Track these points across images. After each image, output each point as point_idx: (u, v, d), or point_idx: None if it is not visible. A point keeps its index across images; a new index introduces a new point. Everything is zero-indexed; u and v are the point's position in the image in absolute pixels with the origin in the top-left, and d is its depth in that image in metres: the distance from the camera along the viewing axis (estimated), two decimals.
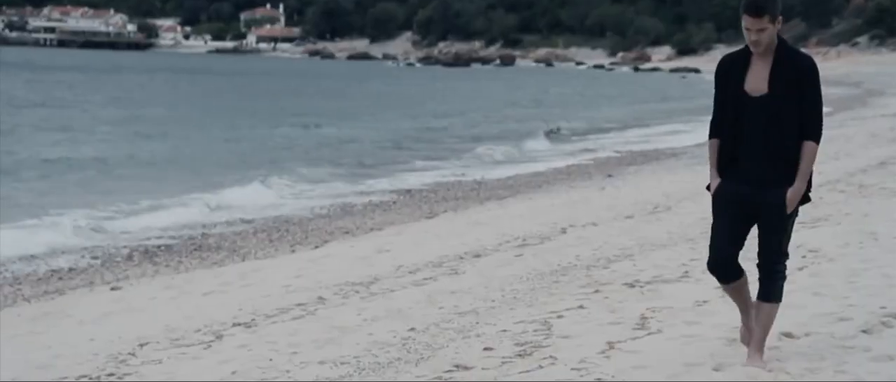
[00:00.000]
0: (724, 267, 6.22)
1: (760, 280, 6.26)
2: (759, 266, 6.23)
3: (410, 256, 12.26)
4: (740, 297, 6.39)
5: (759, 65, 6.07)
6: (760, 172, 6.04)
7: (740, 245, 6.20)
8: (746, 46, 6.08)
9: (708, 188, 6.29)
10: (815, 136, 6.04)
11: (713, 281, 8.61)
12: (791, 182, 6.04)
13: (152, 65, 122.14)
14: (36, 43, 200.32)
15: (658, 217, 13.70)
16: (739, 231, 6.18)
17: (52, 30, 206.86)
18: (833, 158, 19.55)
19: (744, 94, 6.06)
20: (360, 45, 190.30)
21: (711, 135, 6.26)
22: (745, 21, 5.98)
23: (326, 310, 9.41)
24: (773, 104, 5.99)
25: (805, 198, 6.12)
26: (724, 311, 7.57)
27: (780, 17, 5.98)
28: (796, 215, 6.18)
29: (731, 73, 6.15)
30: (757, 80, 6.04)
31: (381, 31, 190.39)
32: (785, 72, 5.99)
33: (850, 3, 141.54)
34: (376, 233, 15.98)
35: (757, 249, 6.19)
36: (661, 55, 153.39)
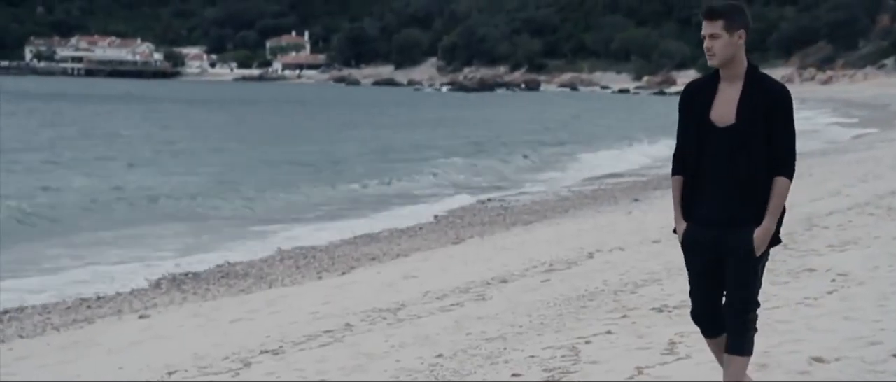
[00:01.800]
0: (710, 318, 5.71)
1: (729, 330, 5.66)
2: (728, 313, 5.63)
3: (437, 282, 12.25)
4: (721, 352, 5.81)
5: (727, 91, 5.52)
6: (726, 211, 5.49)
7: (722, 290, 5.64)
8: (715, 72, 5.58)
9: (675, 232, 5.73)
10: (788, 172, 5.49)
11: None
12: (758, 220, 5.48)
13: (183, 94, 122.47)
14: (64, 72, 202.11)
15: None
16: (718, 277, 5.61)
17: (79, 59, 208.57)
18: (861, 180, 19.45)
19: (709, 124, 5.50)
20: (386, 71, 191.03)
21: (675, 172, 5.68)
22: (702, 26, 5.55)
23: (354, 337, 9.40)
24: (741, 135, 5.44)
25: (775, 239, 5.55)
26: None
27: (743, 32, 5.51)
28: (767, 257, 5.61)
29: (696, 101, 5.58)
30: (724, 109, 5.49)
31: (406, 57, 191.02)
32: (755, 100, 5.46)
33: (877, 26, 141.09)
34: (403, 259, 15.97)
35: (726, 295, 5.63)
36: (686, 79, 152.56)
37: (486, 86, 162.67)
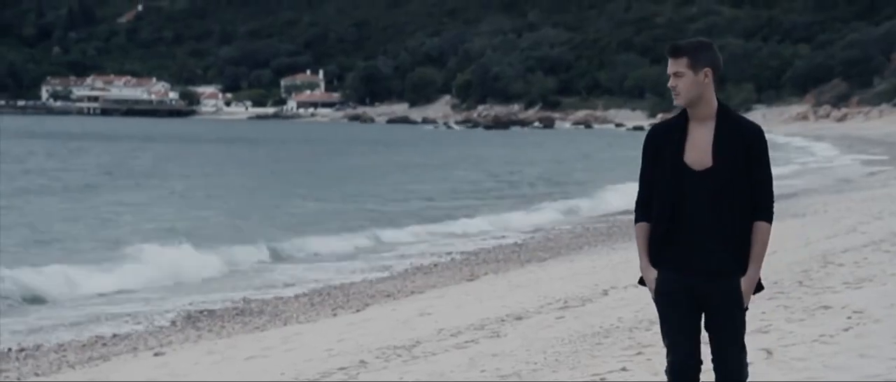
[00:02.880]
0: (689, 375, 5.36)
1: None
2: (718, 370, 5.35)
3: (452, 319, 12.24)
4: None
5: (698, 132, 5.29)
6: (707, 259, 5.22)
7: (697, 344, 5.35)
8: (683, 112, 5.35)
9: (641, 282, 5.44)
10: (768, 216, 5.27)
11: (758, 342, 8.59)
12: (742, 269, 5.26)
13: (201, 133, 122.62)
14: (79, 111, 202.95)
15: None
16: (694, 329, 5.34)
17: (95, 99, 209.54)
18: (877, 218, 19.41)
19: (684, 167, 5.24)
20: (400, 109, 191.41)
21: (639, 219, 5.42)
22: (668, 64, 5.32)
23: (368, 374, 9.39)
24: (720, 179, 5.20)
25: (759, 287, 5.36)
26: (769, 373, 7.50)
27: (709, 71, 5.28)
28: (747, 308, 5.37)
29: (665, 144, 5.31)
30: (698, 151, 5.25)
31: (420, 94, 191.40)
32: (730, 141, 5.23)
33: (892, 63, 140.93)
34: (417, 296, 15.97)
35: (711, 351, 5.36)
36: None
37: (500, 123, 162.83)
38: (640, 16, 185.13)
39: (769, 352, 8.27)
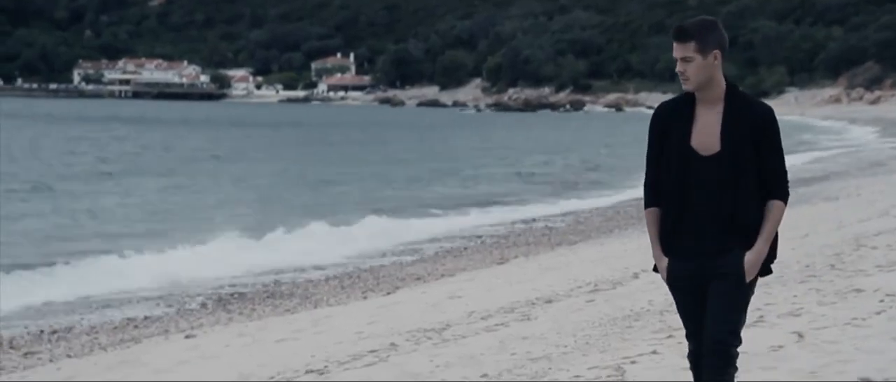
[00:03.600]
0: None
1: (706, 369, 5.12)
2: (706, 348, 5.10)
3: (482, 302, 12.24)
4: None
5: (706, 115, 5.07)
6: (714, 245, 5.04)
7: None
8: (690, 93, 5.13)
9: (655, 269, 5.28)
10: (782, 194, 5.09)
11: (789, 325, 8.55)
12: (747, 246, 5.05)
13: (240, 116, 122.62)
14: (111, 95, 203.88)
15: None
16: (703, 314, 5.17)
17: (127, 82, 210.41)
18: None
19: (690, 152, 5.05)
20: (430, 92, 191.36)
21: (649, 203, 5.22)
22: (673, 48, 5.08)
23: (399, 357, 9.40)
24: (729, 164, 5.00)
25: (766, 269, 5.11)
26: (801, 356, 7.47)
27: (718, 52, 5.03)
28: (754, 289, 5.12)
29: (671, 126, 5.12)
30: (706, 135, 5.04)
31: (451, 78, 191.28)
32: (739, 124, 5.02)
33: None
34: (448, 279, 15.98)
35: (703, 328, 5.12)
36: None
37: (530, 106, 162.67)
38: None
39: (801, 335, 8.23)
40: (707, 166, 5.01)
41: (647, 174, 5.21)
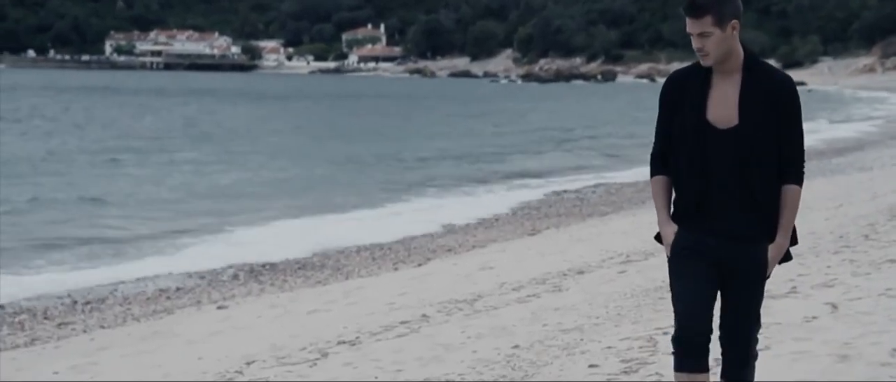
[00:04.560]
0: (700, 345, 4.89)
1: (731, 359, 4.95)
2: (728, 341, 4.93)
3: (513, 273, 12.23)
4: None
5: (722, 86, 4.80)
6: (732, 224, 4.77)
7: (712, 312, 4.91)
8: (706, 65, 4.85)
9: (657, 238, 5.01)
10: (798, 179, 4.79)
11: (823, 296, 8.51)
12: (770, 236, 4.80)
13: (278, 89, 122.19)
14: (143, 66, 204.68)
15: None
16: (711, 294, 4.89)
17: (158, 53, 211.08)
18: None
19: (707, 126, 4.76)
20: (461, 62, 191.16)
21: (655, 172, 4.96)
22: (687, 24, 4.79)
23: (430, 328, 9.41)
24: (747, 138, 4.72)
25: (787, 256, 4.91)
26: (835, 327, 7.43)
27: (736, 22, 4.77)
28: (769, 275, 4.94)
29: (685, 96, 4.83)
30: (723, 107, 4.76)
31: (482, 48, 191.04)
32: (758, 96, 4.74)
33: None
34: (479, 250, 15.97)
35: (722, 320, 4.94)
36: None
37: (561, 77, 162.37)
38: None
39: (835, 306, 8.19)
40: (725, 140, 4.73)
41: (655, 145, 4.96)
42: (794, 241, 4.89)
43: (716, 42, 4.73)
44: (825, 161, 28.70)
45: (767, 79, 4.78)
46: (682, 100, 4.83)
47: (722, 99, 4.77)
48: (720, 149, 4.74)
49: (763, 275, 4.84)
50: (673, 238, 4.88)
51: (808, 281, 9.23)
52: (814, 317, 8.06)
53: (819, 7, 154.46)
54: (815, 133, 40.84)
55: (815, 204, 15.53)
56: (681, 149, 4.82)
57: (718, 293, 4.90)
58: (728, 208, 4.76)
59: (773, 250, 4.80)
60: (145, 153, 37.93)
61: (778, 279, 9.80)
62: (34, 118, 58.71)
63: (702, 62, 4.79)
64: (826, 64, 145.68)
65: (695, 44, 4.77)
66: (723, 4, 4.73)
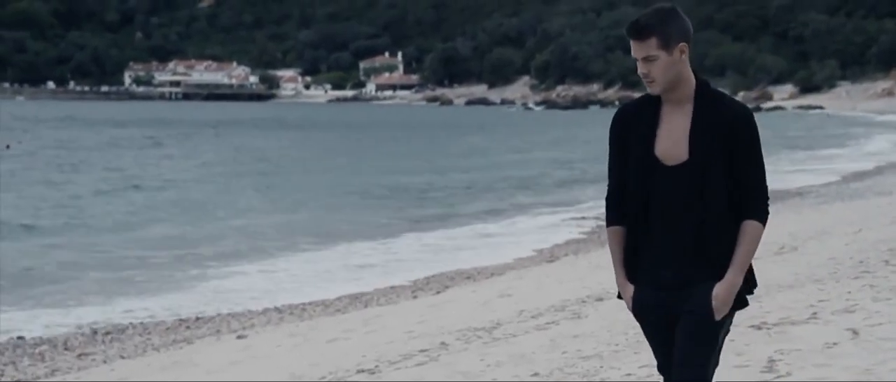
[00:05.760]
0: None
1: None
2: None
3: (532, 300, 12.21)
4: None
5: (673, 118, 4.34)
6: (678, 270, 4.32)
7: None
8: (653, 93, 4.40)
9: (619, 297, 4.57)
10: (760, 214, 4.31)
11: (843, 321, 8.47)
12: (718, 277, 4.29)
13: (294, 117, 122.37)
14: (162, 96, 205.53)
15: (784, 257, 13.46)
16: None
17: (177, 83, 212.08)
18: None
19: (654, 162, 4.32)
20: (478, 90, 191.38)
21: (611, 221, 4.48)
22: (632, 48, 4.38)
23: (449, 356, 9.40)
24: (697, 175, 4.26)
25: (741, 300, 4.36)
26: (856, 353, 7.39)
27: (685, 46, 4.30)
28: (729, 325, 4.39)
29: (632, 131, 4.38)
30: (672, 141, 4.31)
31: (499, 75, 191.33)
32: (711, 128, 4.27)
33: None
34: (497, 278, 15.96)
35: (671, 374, 4.42)
36: (783, 94, 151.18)
37: (579, 103, 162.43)
38: None
39: (855, 332, 8.15)
40: (673, 177, 4.29)
41: (609, 187, 4.49)
42: (752, 285, 4.40)
43: (662, 67, 4.29)
44: (844, 185, 28.62)
45: (722, 110, 4.30)
46: (630, 135, 4.39)
47: (672, 132, 4.33)
48: (669, 187, 4.30)
49: (708, 320, 4.27)
50: (633, 298, 4.46)
51: (829, 307, 9.18)
52: (834, 343, 8.02)
53: (836, 31, 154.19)
54: (831, 161, 40.62)
55: (834, 229, 15.48)
56: (629, 192, 4.38)
57: None
58: (673, 253, 4.32)
59: (720, 288, 4.26)
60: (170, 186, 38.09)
61: (799, 304, 9.78)
62: (55, 149, 58.93)
63: (649, 89, 4.37)
64: (844, 88, 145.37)
65: (640, 69, 4.35)
66: (668, 25, 4.29)
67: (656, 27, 4.27)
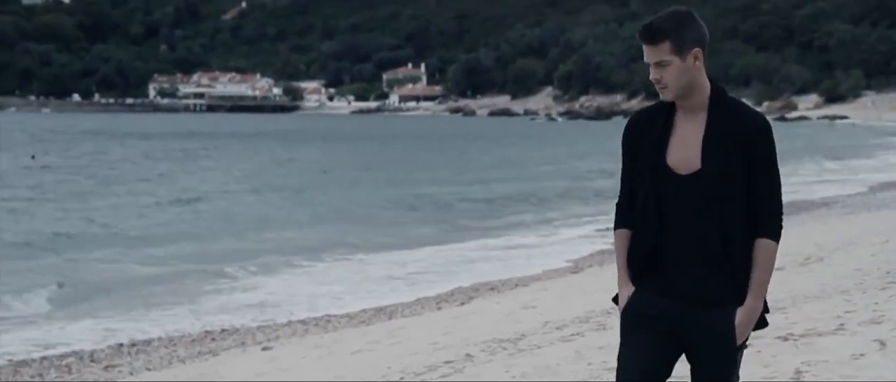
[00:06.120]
0: None
1: None
2: None
3: (557, 312, 12.19)
4: None
5: (686, 126, 4.21)
6: (694, 284, 4.17)
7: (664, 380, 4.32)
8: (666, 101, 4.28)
9: (614, 300, 4.41)
10: (773, 233, 4.18)
11: (871, 332, 8.43)
12: (739, 298, 4.16)
13: (320, 129, 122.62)
14: (186, 108, 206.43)
15: (810, 268, 13.41)
16: (661, 362, 4.28)
17: (201, 95, 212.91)
18: None
19: (667, 171, 4.18)
20: (501, 101, 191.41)
21: (618, 224, 4.37)
22: (644, 53, 4.24)
23: (474, 368, 9.39)
24: (711, 185, 4.13)
25: (762, 321, 4.23)
26: (883, 364, 7.35)
27: (699, 52, 4.19)
28: (747, 345, 4.28)
29: (645, 138, 4.25)
30: (685, 150, 4.18)
31: (522, 86, 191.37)
32: (726, 137, 4.14)
33: None
34: (522, 289, 15.94)
35: None
36: (807, 103, 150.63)
37: (602, 114, 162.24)
38: (745, 3, 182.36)
39: (883, 343, 8.11)
40: (686, 187, 4.15)
41: (620, 194, 4.37)
42: (765, 307, 4.24)
43: (675, 73, 4.15)
44: (870, 196, 28.48)
45: (737, 118, 4.17)
46: (640, 144, 4.26)
47: (684, 140, 4.19)
48: (681, 198, 4.16)
49: (732, 345, 4.18)
50: (630, 301, 4.30)
51: (856, 318, 9.14)
52: (861, 354, 7.98)
53: (861, 41, 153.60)
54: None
55: (861, 240, 15.40)
56: (642, 202, 4.24)
57: (671, 363, 4.32)
58: (687, 265, 4.17)
59: (742, 315, 4.15)
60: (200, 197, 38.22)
61: (825, 315, 9.74)
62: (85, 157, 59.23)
63: (661, 95, 4.23)
64: (869, 98, 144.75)
65: (652, 75, 4.20)
66: (683, 29, 4.17)
67: (670, 31, 4.16)
